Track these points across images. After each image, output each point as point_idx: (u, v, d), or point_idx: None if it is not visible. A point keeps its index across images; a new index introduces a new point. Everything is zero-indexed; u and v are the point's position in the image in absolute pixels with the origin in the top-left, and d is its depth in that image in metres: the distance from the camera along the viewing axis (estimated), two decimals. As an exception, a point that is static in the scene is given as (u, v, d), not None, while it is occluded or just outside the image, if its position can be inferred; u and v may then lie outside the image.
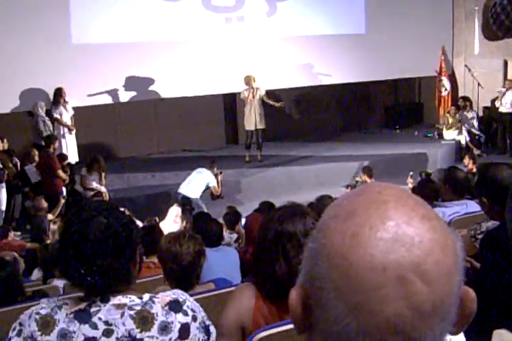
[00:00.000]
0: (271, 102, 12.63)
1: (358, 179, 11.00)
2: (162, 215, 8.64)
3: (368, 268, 0.77)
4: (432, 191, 5.53)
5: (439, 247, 0.79)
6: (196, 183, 10.33)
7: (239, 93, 12.72)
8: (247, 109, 12.58)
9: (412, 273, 0.76)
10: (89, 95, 11.88)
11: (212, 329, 2.09)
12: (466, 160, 11.49)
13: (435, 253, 0.78)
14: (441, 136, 14.72)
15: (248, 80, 12.39)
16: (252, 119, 12.52)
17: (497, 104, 14.31)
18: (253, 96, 12.42)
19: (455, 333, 0.83)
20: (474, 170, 10.30)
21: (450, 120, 14.54)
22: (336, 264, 0.79)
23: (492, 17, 2.59)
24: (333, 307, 0.79)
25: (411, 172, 10.55)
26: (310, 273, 0.83)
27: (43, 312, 1.91)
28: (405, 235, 0.78)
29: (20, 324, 1.93)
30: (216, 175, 10.88)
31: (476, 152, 14.13)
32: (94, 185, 10.61)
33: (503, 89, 14.21)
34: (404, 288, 0.76)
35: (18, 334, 1.91)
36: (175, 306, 1.97)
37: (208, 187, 10.53)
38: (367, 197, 0.84)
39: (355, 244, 0.78)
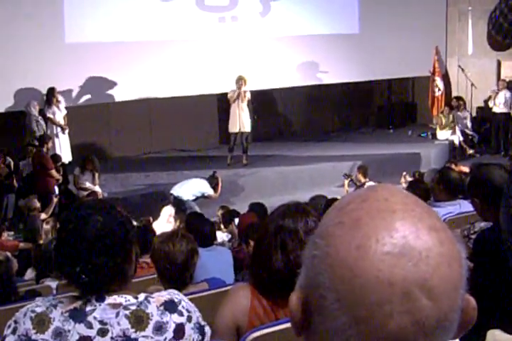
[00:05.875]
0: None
1: (352, 177, 10.92)
2: (155, 215, 8.63)
3: (374, 282, 0.76)
4: (422, 191, 5.54)
5: (446, 261, 0.78)
6: (189, 188, 10.23)
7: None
8: (232, 111, 12.52)
9: (418, 289, 0.76)
10: (83, 94, 11.85)
11: (207, 329, 2.09)
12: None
13: (442, 269, 0.78)
14: (434, 135, 14.75)
15: (238, 80, 12.35)
16: (237, 122, 12.46)
17: (490, 104, 14.36)
18: (241, 100, 12.37)
19: (453, 338, 0.83)
20: (465, 170, 10.31)
21: (443, 120, 14.57)
22: (341, 276, 0.78)
23: (491, 22, 2.61)
24: (335, 318, 0.78)
25: (404, 172, 10.57)
26: (312, 280, 0.82)
27: (38, 310, 1.91)
28: (412, 249, 0.77)
29: (16, 321, 1.93)
30: (216, 184, 10.71)
31: (469, 152, 14.20)
32: (88, 184, 10.58)
33: (497, 89, 14.26)
34: (409, 303, 0.76)
35: (13, 332, 1.91)
36: (170, 306, 1.97)
37: (202, 196, 10.42)
38: (373, 204, 0.82)
39: (361, 256, 0.77)
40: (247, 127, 12.53)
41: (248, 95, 12.44)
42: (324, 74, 14.17)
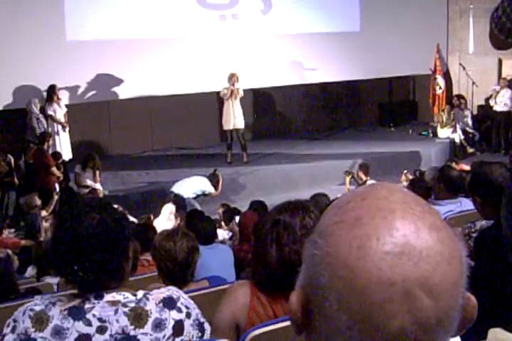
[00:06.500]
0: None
1: (353, 174, 10.88)
2: (156, 213, 8.62)
3: (375, 282, 0.76)
4: (423, 190, 5.54)
5: (446, 260, 0.78)
6: (190, 185, 10.22)
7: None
8: (226, 108, 12.48)
9: (418, 288, 0.76)
10: (83, 92, 11.85)
11: (206, 326, 2.09)
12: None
13: (442, 268, 0.77)
14: (435, 134, 14.73)
15: (231, 77, 12.30)
16: (231, 119, 12.41)
17: (491, 102, 14.34)
18: (235, 97, 12.33)
19: (453, 336, 0.82)
20: (466, 168, 10.30)
21: (444, 118, 14.55)
22: (341, 276, 0.78)
23: (494, 21, 2.60)
24: (336, 318, 0.78)
25: (405, 171, 10.56)
26: (312, 280, 0.82)
27: (36, 308, 1.91)
28: (413, 248, 0.77)
29: (15, 320, 1.93)
30: (217, 182, 10.69)
31: (470, 150, 14.18)
32: (89, 182, 10.58)
33: (498, 88, 14.25)
34: (410, 303, 0.76)
35: (12, 331, 1.91)
36: (169, 303, 1.97)
37: (203, 194, 10.41)
38: (373, 203, 0.81)
39: (362, 256, 0.77)
40: (240, 124, 12.50)
41: (241, 92, 12.41)
42: (325, 72, 14.16)
